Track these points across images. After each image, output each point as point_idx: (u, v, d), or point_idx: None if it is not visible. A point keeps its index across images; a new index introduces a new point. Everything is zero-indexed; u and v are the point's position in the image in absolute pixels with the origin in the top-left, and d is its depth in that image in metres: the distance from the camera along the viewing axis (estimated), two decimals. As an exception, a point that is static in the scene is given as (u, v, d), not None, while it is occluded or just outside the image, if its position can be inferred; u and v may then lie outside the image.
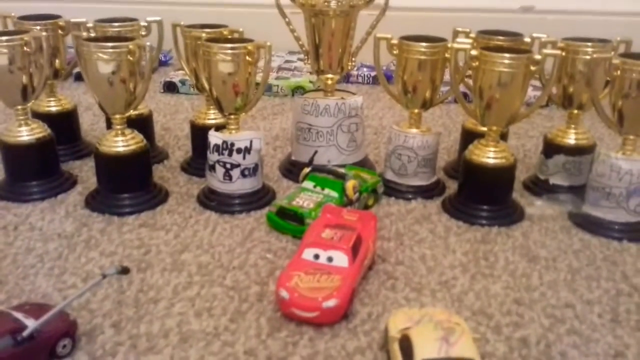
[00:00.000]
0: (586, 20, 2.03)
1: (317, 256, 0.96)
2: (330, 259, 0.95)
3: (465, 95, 1.78)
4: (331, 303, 0.88)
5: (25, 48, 1.20)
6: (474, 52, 1.14)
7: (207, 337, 0.87)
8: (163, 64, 2.33)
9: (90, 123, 1.72)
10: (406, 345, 0.76)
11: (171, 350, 0.84)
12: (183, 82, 2.03)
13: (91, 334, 0.87)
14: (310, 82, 2.02)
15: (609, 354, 0.85)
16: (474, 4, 2.31)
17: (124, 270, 0.89)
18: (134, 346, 0.85)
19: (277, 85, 2.01)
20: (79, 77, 2.10)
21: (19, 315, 0.81)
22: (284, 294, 0.90)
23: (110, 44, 1.13)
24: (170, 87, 2.04)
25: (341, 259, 0.95)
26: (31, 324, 0.79)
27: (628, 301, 0.97)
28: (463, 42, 1.21)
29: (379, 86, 2.10)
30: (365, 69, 2.19)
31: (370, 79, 2.17)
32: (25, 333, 0.78)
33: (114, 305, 0.93)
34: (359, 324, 0.90)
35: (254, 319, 0.91)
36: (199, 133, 1.38)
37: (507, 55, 1.11)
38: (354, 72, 2.17)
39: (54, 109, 1.46)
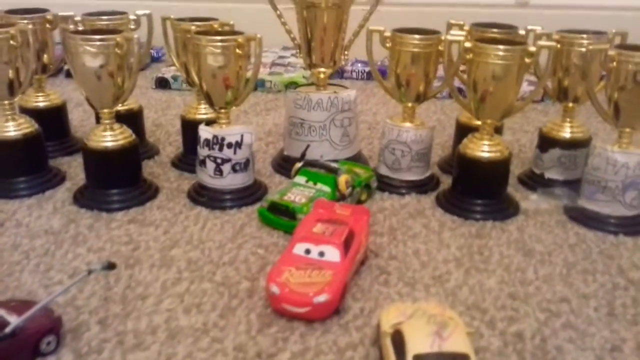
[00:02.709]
0: (581, 15, 2.02)
1: (308, 251, 0.94)
2: (321, 254, 0.93)
3: (459, 90, 1.77)
4: (322, 298, 0.86)
5: (11, 42, 1.18)
6: (467, 44, 1.12)
7: (196, 334, 0.85)
8: (155, 60, 2.31)
9: (80, 119, 1.70)
10: (398, 340, 0.74)
11: (159, 347, 0.82)
12: (175, 78, 2.01)
13: (77, 331, 0.85)
14: (304, 77, 2.00)
15: (605, 348, 0.83)
16: (469, -1, 2.30)
17: (110, 266, 0.87)
18: (120, 343, 0.83)
19: (270, 81, 1.99)
20: (69, 74, 2.07)
21: (1, 311, 0.78)
22: (275, 289, 0.88)
23: (97, 37, 1.11)
24: (162, 83, 2.02)
25: (333, 254, 0.93)
26: (14, 320, 0.77)
27: (624, 295, 0.95)
28: (457, 35, 1.19)
29: (373, 82, 2.08)
30: (359, 65, 2.17)
31: (365, 74, 2.15)
32: (7, 330, 0.76)
33: (101, 301, 0.91)
34: (351, 320, 0.88)
35: (244, 315, 0.89)
36: (189, 128, 1.36)
37: (501, 47, 1.09)
38: (348, 68, 2.16)
39: (42, 104, 1.44)
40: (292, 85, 1.95)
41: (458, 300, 0.93)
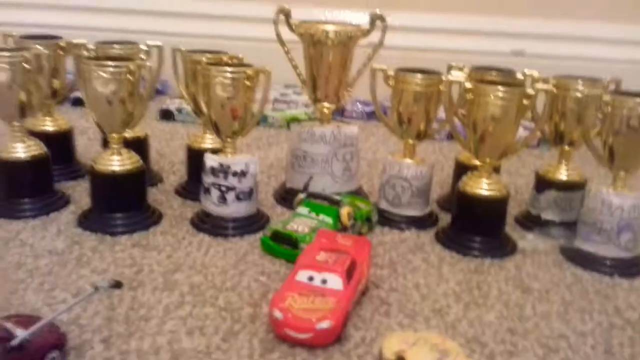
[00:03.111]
0: (576, 65, 2.07)
1: (311, 278, 0.95)
2: (324, 281, 0.95)
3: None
4: (325, 324, 0.87)
5: (25, 65, 1.21)
6: (468, 85, 1.16)
7: (199, 355, 0.85)
8: (160, 92, 2.34)
9: (84, 146, 1.72)
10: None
11: (161, 368, 0.83)
12: (179, 110, 2.04)
13: (80, 349, 0.85)
14: (306, 114, 2.04)
15: (602, 385, 0.85)
16: (467, 46, 2.37)
17: (117, 285, 0.88)
18: (123, 355, 0.83)
19: (273, 117, 2.03)
20: (75, 102, 2.10)
21: (8, 324, 0.79)
22: (278, 314, 0.89)
23: (111, 63, 1.15)
24: (166, 115, 2.06)
25: (335, 282, 0.94)
26: (20, 333, 0.78)
27: (621, 334, 0.97)
28: (458, 75, 1.23)
29: (373, 121, 2.13)
30: (359, 105, 2.22)
31: (365, 114, 2.20)
32: (14, 342, 0.76)
33: (104, 321, 0.92)
34: (352, 348, 0.89)
35: (247, 340, 0.90)
36: (194, 157, 1.39)
37: (500, 88, 1.13)
38: (349, 107, 2.21)
39: (50, 128, 1.46)
40: (294, 121, 2.00)
41: (458, 333, 0.95)
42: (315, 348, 0.88)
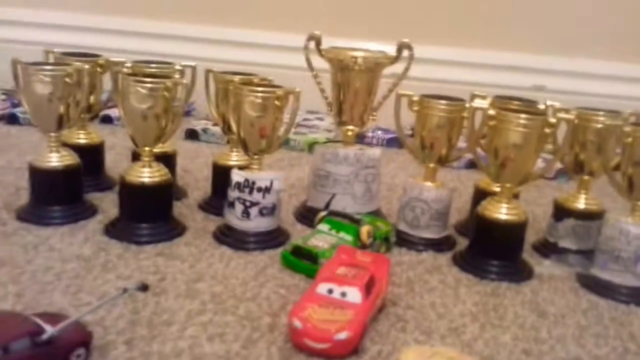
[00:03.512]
0: (596, 101, 2.10)
1: (331, 291, 0.98)
2: (343, 294, 0.97)
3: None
4: (343, 335, 0.89)
5: (66, 79, 1.26)
6: (491, 112, 1.19)
7: (219, 359, 0.88)
8: (187, 114, 2.41)
9: (113, 161, 1.77)
10: (417, 376, 0.77)
11: (183, 369, 0.85)
12: (205, 131, 2.10)
13: (104, 349, 0.88)
14: (327, 139, 2.08)
15: (617, 408, 0.85)
16: (489, 80, 2.41)
17: (144, 287, 0.91)
18: (145, 357, 0.86)
19: (295, 140, 2.08)
20: (104, 120, 2.18)
21: (38, 320, 0.82)
22: (297, 323, 0.91)
23: (148, 79, 1.20)
24: (192, 135, 2.11)
25: (354, 295, 0.96)
26: (50, 329, 0.81)
27: (636, 359, 0.97)
28: (481, 103, 1.27)
29: (393, 149, 2.18)
30: (379, 132, 2.26)
31: (384, 141, 2.23)
32: (44, 336, 0.79)
33: (128, 324, 0.95)
34: (369, 360, 0.91)
35: (265, 347, 0.92)
36: (220, 173, 1.43)
37: (523, 115, 1.16)
38: (369, 134, 2.24)
39: (82, 141, 1.52)
40: (314, 144, 2.03)
41: (474, 351, 0.96)
42: (333, 359, 0.90)
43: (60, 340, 0.81)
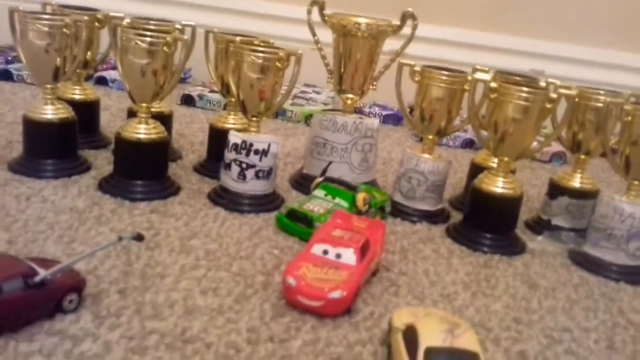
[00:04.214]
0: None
1: (326, 252, 0.98)
2: (338, 256, 0.97)
3: (471, 141, 1.85)
4: (337, 294, 0.89)
5: (64, 30, 1.24)
6: (493, 84, 1.19)
7: (212, 313, 0.88)
8: (182, 80, 2.38)
9: (107, 121, 1.75)
10: (410, 335, 0.77)
11: (175, 320, 0.85)
12: (201, 97, 2.08)
13: (97, 297, 0.88)
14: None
15: (604, 376, 0.86)
16: (488, 62, 2.38)
17: (140, 237, 0.91)
18: (138, 311, 0.85)
19: (292, 111, 2.06)
20: (98, 81, 2.15)
21: (32, 264, 0.81)
22: (291, 280, 0.91)
23: (149, 34, 1.18)
24: (187, 100, 2.09)
25: (349, 257, 0.96)
26: (43, 272, 0.80)
27: (624, 333, 0.98)
28: (483, 75, 1.26)
29: (389, 125, 2.17)
30: (377, 108, 2.25)
31: (382, 117, 2.22)
32: (36, 279, 0.79)
33: (121, 274, 0.94)
34: (361, 320, 0.91)
35: (258, 304, 0.92)
36: (216, 136, 1.42)
37: (524, 88, 1.16)
38: (366, 110, 2.23)
39: (77, 97, 1.50)
40: (311, 117, 2.02)
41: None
42: (325, 317, 0.90)
43: (53, 284, 0.81)
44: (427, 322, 0.78)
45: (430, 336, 0.75)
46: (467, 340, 0.75)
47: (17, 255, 0.88)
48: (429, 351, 0.73)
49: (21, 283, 0.77)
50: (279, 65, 1.21)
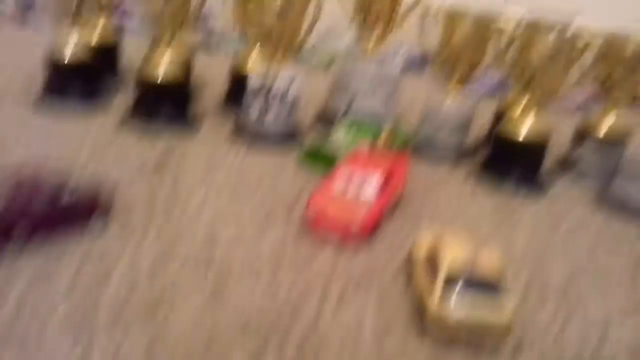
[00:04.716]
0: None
1: (348, 183, 0.97)
2: (360, 187, 0.96)
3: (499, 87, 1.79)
4: (358, 224, 0.89)
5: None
6: (524, 22, 1.16)
7: (233, 241, 0.88)
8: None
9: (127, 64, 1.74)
10: (433, 254, 0.77)
11: (200, 245, 0.85)
12: (220, 42, 2.08)
13: (123, 219, 0.88)
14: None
15: (626, 308, 0.86)
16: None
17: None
18: (161, 236, 0.86)
19: (313, 55, 2.05)
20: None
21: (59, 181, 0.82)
22: (313, 211, 0.91)
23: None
24: (207, 44, 2.09)
25: (371, 188, 0.96)
26: (72, 189, 0.81)
27: (648, 271, 0.98)
28: (515, 11, 1.23)
29: (413, 70, 2.14)
30: (399, 52, 2.22)
31: (405, 62, 2.18)
32: (65, 197, 0.79)
33: (146, 201, 0.95)
34: (382, 249, 0.91)
35: (280, 233, 0.92)
36: (237, 76, 1.41)
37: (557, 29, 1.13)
38: (389, 55, 2.20)
39: (99, 38, 1.48)
40: (332, 62, 2.01)
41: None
42: (346, 245, 0.90)
43: (81, 203, 0.82)
44: (450, 244, 0.78)
45: (452, 262, 0.74)
46: (491, 259, 0.75)
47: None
48: (450, 279, 0.73)
49: (48, 202, 0.78)
50: (303, -1, 1.19)
